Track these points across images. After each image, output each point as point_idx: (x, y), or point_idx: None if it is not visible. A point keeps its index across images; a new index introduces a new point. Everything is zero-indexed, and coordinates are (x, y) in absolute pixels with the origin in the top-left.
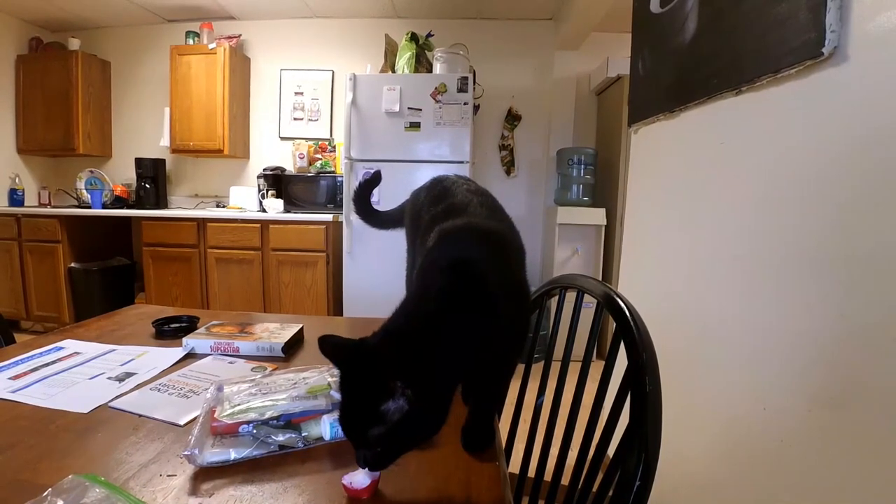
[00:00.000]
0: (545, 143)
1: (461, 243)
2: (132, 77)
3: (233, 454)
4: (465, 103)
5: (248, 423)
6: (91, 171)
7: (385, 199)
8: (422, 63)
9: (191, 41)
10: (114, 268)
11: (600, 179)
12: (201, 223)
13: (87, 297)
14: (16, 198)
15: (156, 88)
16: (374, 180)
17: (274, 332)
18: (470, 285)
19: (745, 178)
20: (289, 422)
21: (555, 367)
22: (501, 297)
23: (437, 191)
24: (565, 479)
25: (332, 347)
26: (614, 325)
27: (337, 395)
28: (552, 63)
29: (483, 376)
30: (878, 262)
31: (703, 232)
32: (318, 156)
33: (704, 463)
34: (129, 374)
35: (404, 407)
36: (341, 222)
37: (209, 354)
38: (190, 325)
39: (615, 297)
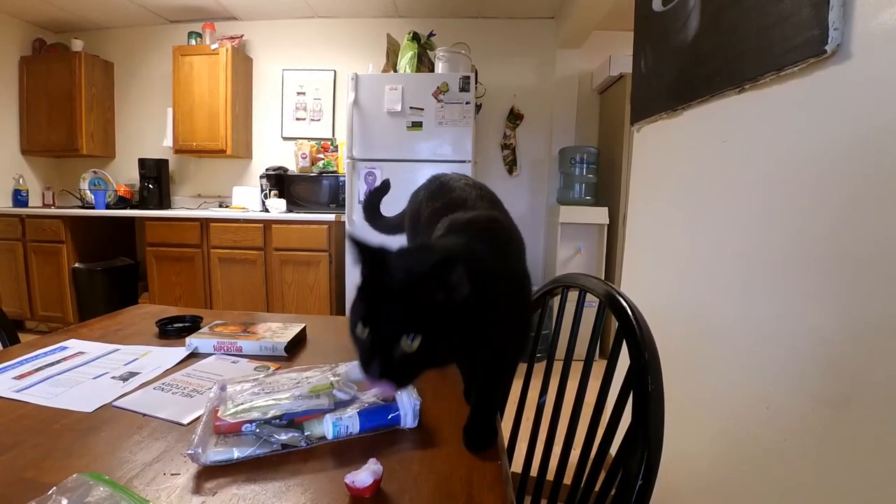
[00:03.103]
0: (547, 142)
1: (475, 233)
2: (135, 78)
3: (236, 453)
4: (466, 102)
5: (250, 422)
6: (94, 172)
7: (385, 199)
8: (424, 62)
9: (193, 42)
10: (117, 268)
11: (603, 178)
12: (204, 223)
13: (90, 297)
14: (20, 198)
15: (158, 89)
16: (382, 189)
17: (277, 331)
18: (485, 257)
19: (747, 176)
20: (291, 421)
21: (557, 367)
22: (509, 285)
23: (435, 187)
24: (568, 479)
25: (366, 249)
26: (617, 324)
27: (339, 395)
28: (554, 62)
29: (484, 373)
30: (880, 261)
31: (706, 230)
32: (321, 155)
33: (707, 462)
34: (132, 374)
35: (459, 301)
36: (344, 222)
37: (212, 354)
38: (193, 325)
39: (617, 296)
